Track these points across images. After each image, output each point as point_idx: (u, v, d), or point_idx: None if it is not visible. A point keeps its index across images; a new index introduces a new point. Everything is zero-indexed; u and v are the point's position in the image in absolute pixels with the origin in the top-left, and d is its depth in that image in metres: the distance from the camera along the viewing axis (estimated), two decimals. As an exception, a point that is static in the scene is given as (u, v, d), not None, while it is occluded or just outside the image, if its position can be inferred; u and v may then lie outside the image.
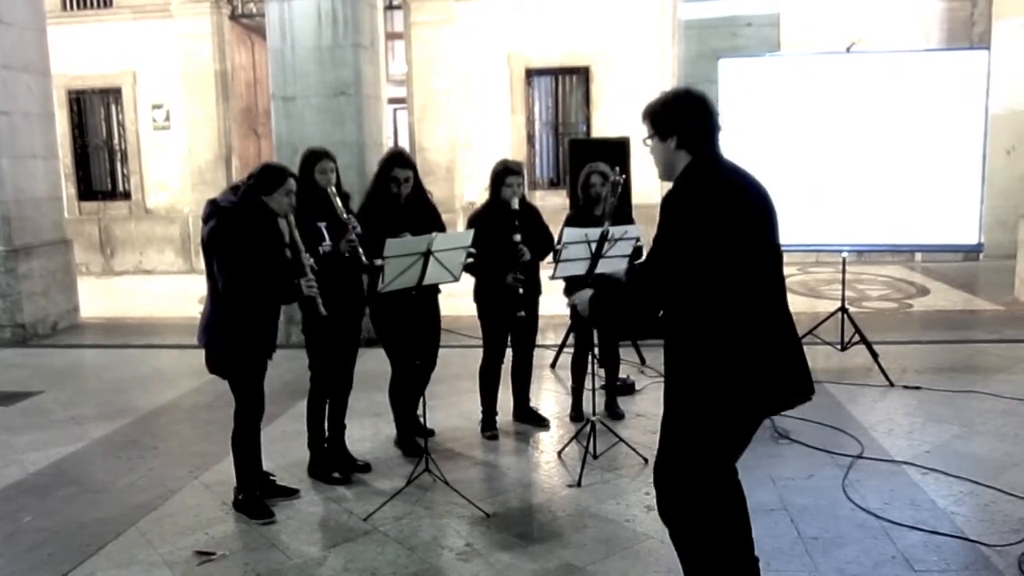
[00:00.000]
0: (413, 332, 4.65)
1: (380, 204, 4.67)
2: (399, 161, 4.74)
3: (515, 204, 4.85)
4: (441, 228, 4.76)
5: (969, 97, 6.17)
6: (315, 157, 4.44)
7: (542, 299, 5.23)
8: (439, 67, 12.85)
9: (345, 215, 4.32)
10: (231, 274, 3.85)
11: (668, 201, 2.66)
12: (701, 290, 2.63)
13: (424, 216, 4.71)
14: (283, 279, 3.96)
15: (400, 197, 4.65)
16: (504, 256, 4.83)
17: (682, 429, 2.79)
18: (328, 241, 4.28)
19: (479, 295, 5.08)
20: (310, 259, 4.04)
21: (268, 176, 3.98)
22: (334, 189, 4.37)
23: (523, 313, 4.99)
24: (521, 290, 4.92)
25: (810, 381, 2.79)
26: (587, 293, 2.99)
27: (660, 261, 2.67)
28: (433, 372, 5.00)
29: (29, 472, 4.82)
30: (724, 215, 2.59)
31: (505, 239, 4.80)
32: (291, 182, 3.98)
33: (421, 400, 4.67)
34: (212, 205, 4.00)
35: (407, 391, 4.87)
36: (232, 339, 3.97)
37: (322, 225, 4.31)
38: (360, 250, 4.28)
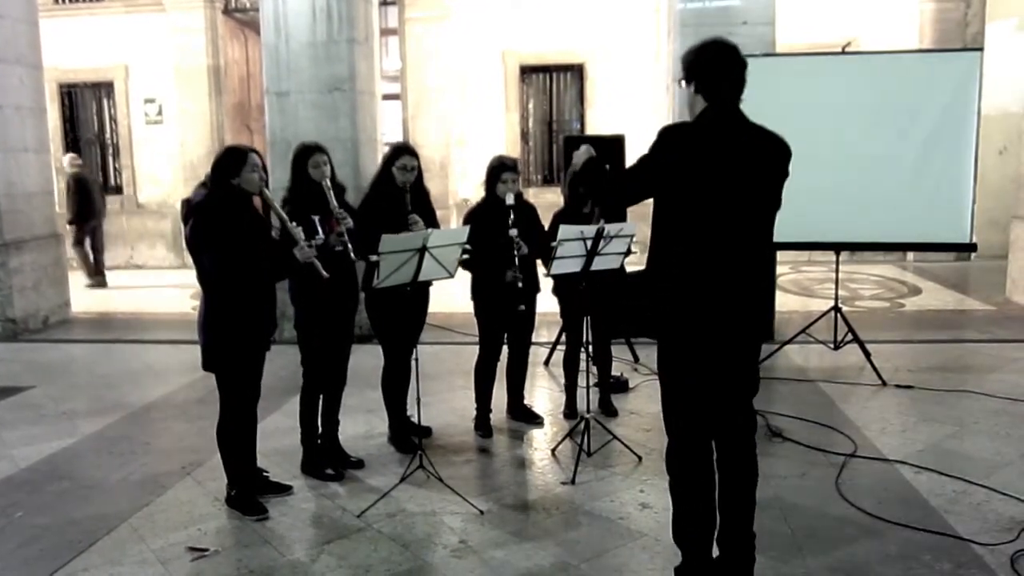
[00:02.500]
0: (408, 324, 4.64)
1: (385, 193, 4.70)
2: (407, 150, 4.81)
3: (510, 200, 4.84)
4: (436, 226, 4.76)
5: (962, 98, 6.18)
6: (308, 151, 4.44)
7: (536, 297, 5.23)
8: (433, 63, 12.85)
9: (337, 209, 4.31)
10: (225, 269, 3.84)
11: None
12: (657, 212, 3.00)
13: (425, 207, 4.76)
14: (271, 257, 3.95)
15: (406, 185, 4.68)
16: (501, 251, 4.83)
17: (661, 375, 3.14)
18: (321, 235, 4.27)
19: (476, 291, 5.06)
20: (298, 227, 4.03)
21: (230, 158, 3.96)
22: (328, 183, 4.36)
23: (524, 307, 4.99)
24: (520, 284, 4.91)
25: (767, 325, 3.15)
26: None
27: (630, 174, 3.08)
28: (417, 364, 4.98)
29: (20, 467, 4.79)
30: (682, 149, 2.90)
31: (501, 235, 4.79)
32: (253, 156, 3.97)
33: (413, 398, 4.65)
34: (187, 205, 4.02)
35: (399, 384, 4.86)
36: (228, 332, 3.95)
37: (315, 219, 4.29)
38: (349, 246, 4.29)
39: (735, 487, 3.10)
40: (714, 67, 2.94)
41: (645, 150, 2.99)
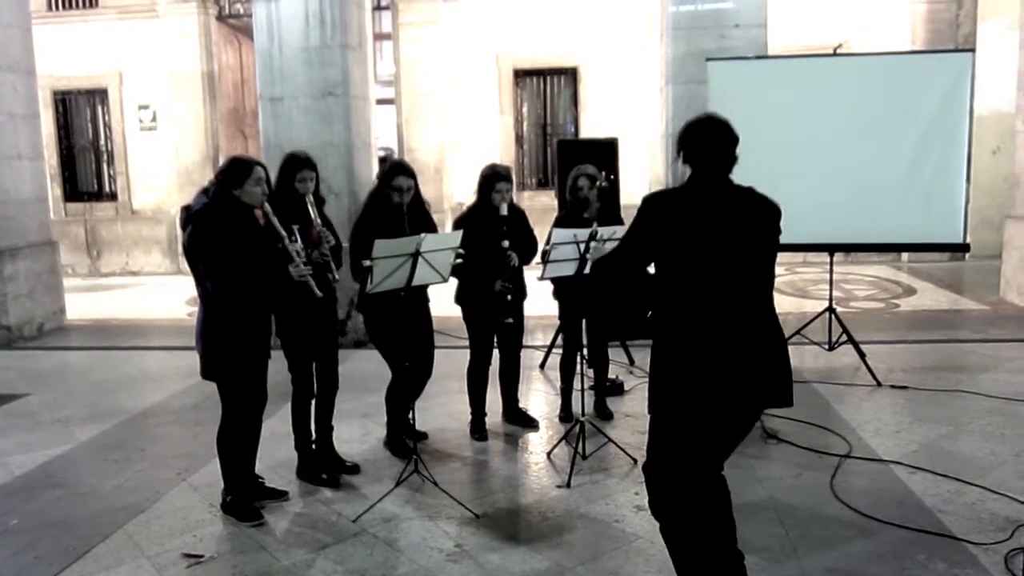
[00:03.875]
0: (404, 334, 4.64)
1: (379, 212, 4.63)
2: (402, 170, 4.69)
3: (504, 210, 4.84)
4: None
5: (954, 98, 6.20)
6: (297, 165, 4.40)
7: (529, 300, 5.23)
8: (427, 68, 12.87)
9: (320, 227, 4.32)
10: (219, 277, 3.84)
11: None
12: (661, 285, 2.93)
13: (425, 223, 4.70)
14: (267, 272, 3.95)
15: (403, 207, 4.60)
16: (491, 261, 4.83)
17: (653, 424, 2.99)
18: (300, 243, 4.25)
19: (461, 298, 5.07)
20: (296, 243, 4.04)
21: (235, 169, 3.95)
22: (312, 198, 4.36)
23: (511, 320, 4.98)
24: (509, 296, 4.91)
25: (782, 389, 3.00)
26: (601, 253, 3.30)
27: (620, 246, 3.06)
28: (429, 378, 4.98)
29: (15, 475, 4.78)
30: (666, 218, 2.87)
31: (492, 244, 4.80)
32: (259, 170, 3.96)
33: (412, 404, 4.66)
34: (186, 211, 3.98)
35: (405, 395, 4.85)
36: (228, 341, 3.95)
37: (295, 228, 4.28)
38: (332, 265, 4.31)
39: (714, 512, 2.99)
40: (702, 142, 2.96)
41: (631, 223, 3.00)
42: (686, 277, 2.87)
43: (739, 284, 2.89)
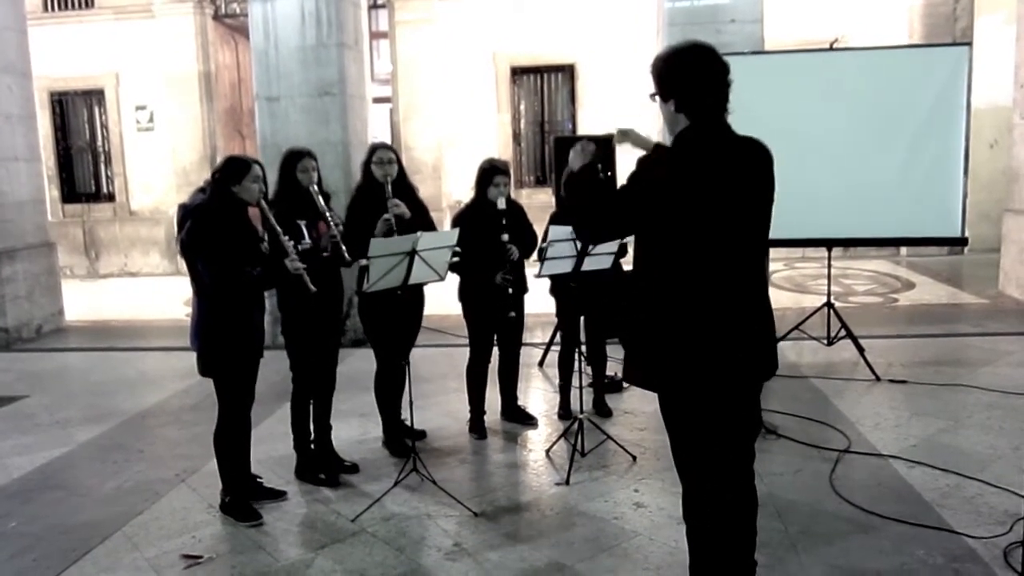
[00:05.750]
0: (401, 329, 4.64)
1: (368, 190, 4.67)
2: (381, 145, 4.80)
3: (501, 204, 4.84)
4: (429, 224, 4.74)
5: (951, 92, 6.19)
6: (296, 156, 4.44)
7: (528, 298, 5.23)
8: (424, 66, 12.86)
9: (327, 212, 4.32)
10: (218, 272, 3.84)
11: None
12: (642, 250, 2.66)
13: (412, 203, 4.70)
14: (262, 266, 3.96)
15: (386, 178, 4.61)
16: (491, 255, 4.83)
17: (666, 417, 2.81)
18: (307, 239, 4.26)
19: (463, 295, 5.07)
20: (290, 241, 4.05)
21: (234, 166, 3.98)
22: (316, 188, 4.37)
23: (514, 314, 4.98)
24: (511, 290, 4.91)
25: (771, 359, 2.74)
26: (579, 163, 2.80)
27: (610, 201, 2.69)
28: (409, 368, 4.97)
29: (14, 477, 4.78)
30: (666, 180, 2.54)
31: (491, 238, 4.80)
32: (256, 168, 3.99)
33: (407, 401, 4.65)
34: (183, 209, 4.01)
35: (392, 388, 4.86)
36: (223, 338, 3.95)
37: (301, 223, 4.29)
38: (343, 247, 4.29)
39: (740, 520, 2.88)
40: (695, 79, 2.56)
41: (625, 181, 2.64)
42: (692, 247, 2.57)
43: (743, 250, 2.63)
